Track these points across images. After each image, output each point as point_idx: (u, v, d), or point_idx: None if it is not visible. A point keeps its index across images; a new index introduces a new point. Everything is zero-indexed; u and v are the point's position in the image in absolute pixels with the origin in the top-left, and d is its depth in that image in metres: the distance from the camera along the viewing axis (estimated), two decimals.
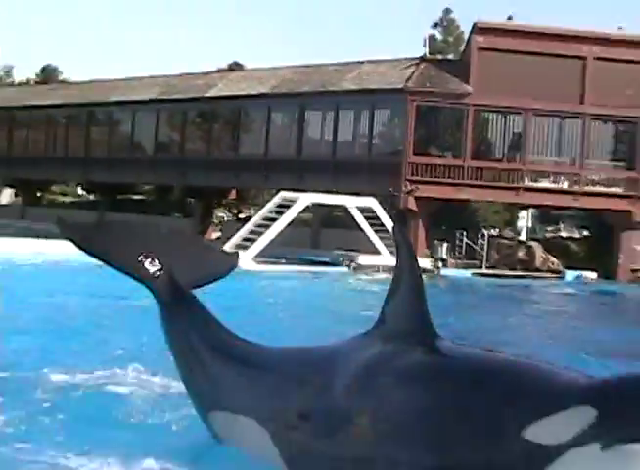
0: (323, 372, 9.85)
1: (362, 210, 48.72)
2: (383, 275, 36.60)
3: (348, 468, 9.12)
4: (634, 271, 52.95)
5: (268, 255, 45.90)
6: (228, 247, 39.03)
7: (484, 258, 53.43)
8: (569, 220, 65.06)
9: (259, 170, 59.43)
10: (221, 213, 71.88)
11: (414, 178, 53.07)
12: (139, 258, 11.14)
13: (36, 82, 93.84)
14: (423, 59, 59.49)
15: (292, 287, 39.32)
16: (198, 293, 11.29)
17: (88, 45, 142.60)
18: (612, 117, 55.60)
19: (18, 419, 11.96)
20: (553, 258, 53.42)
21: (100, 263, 11.37)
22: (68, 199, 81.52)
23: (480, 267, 52.25)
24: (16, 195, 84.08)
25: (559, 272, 51.78)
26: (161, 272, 11.12)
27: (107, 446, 10.89)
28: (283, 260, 46.25)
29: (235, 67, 76.93)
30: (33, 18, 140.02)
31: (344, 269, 46.15)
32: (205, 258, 12.69)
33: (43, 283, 31.24)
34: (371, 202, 49.02)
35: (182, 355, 11.39)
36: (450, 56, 67.43)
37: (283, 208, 48.85)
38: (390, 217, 46.41)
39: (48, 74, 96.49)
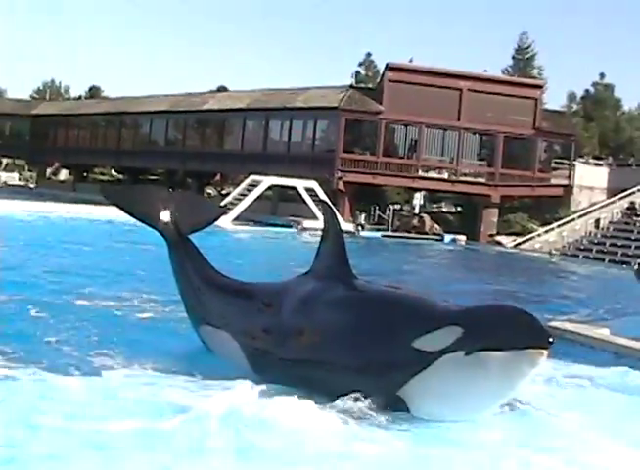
0: (276, 301, 9.88)
1: (307, 189, 48.58)
2: (319, 235, 36.68)
3: (294, 367, 9.15)
4: (490, 236, 53.21)
5: (242, 219, 45.77)
6: None
7: (390, 224, 53.47)
8: (448, 200, 65.16)
9: (237, 160, 59.10)
10: (210, 190, 71.45)
11: (343, 169, 52.95)
12: (152, 211, 11.21)
13: (85, 98, 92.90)
14: (351, 87, 59.50)
15: (257, 240, 39.34)
16: (195, 238, 11.29)
17: (120, 73, 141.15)
18: (478, 131, 55.71)
19: (58, 329, 11.90)
20: (437, 226, 53.54)
21: (126, 217, 11.43)
22: (105, 178, 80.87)
23: (387, 230, 52.24)
24: (69, 174, 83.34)
25: (440, 235, 51.85)
26: (169, 221, 11.14)
27: (124, 348, 10.82)
28: (251, 223, 46.06)
29: (222, 89, 76.25)
30: (84, 52, 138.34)
31: (294, 230, 46.04)
32: (201, 209, 12.68)
33: (82, 234, 31.04)
34: (313, 184, 48.91)
35: (182, 283, 11.43)
36: (370, 85, 67.01)
37: (252, 187, 48.83)
38: (326, 195, 46.35)
39: (93, 92, 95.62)
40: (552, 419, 8.63)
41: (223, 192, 65.01)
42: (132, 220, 11.53)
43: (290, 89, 59.74)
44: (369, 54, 79.90)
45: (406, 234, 51.22)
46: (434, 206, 64.62)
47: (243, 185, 49.91)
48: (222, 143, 62.78)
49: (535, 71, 73.89)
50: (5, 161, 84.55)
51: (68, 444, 7.01)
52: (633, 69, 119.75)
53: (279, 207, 54.85)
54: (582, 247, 48.35)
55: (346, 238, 9.91)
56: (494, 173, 54.97)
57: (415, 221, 53.87)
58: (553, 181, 56.45)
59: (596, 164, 59.05)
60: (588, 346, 13.51)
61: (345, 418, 7.90)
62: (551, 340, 7.57)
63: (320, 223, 10.65)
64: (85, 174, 79.91)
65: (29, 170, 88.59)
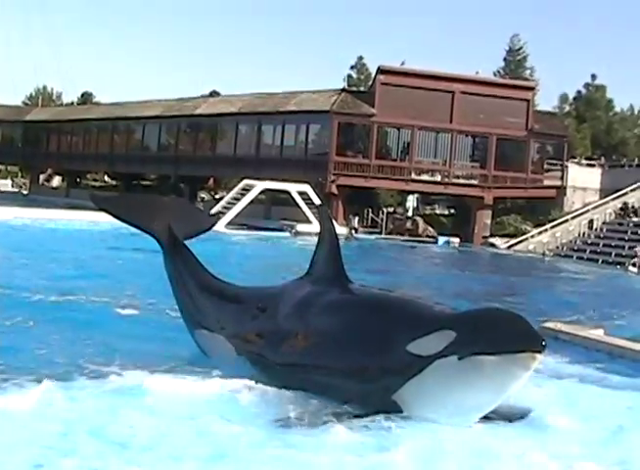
0: (270, 305, 9.93)
1: (300, 193, 48.57)
2: (313, 238, 36.68)
3: (289, 371, 9.18)
4: (484, 238, 53.23)
5: (235, 223, 45.77)
6: None
7: (383, 227, 53.50)
8: (441, 202, 65.23)
9: (230, 165, 59.01)
10: (203, 195, 71.44)
11: (336, 172, 52.90)
12: (148, 219, 11.27)
13: (78, 103, 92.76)
14: (343, 90, 59.41)
15: (251, 245, 39.34)
16: (190, 243, 11.36)
17: (112, 79, 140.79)
18: (470, 133, 55.78)
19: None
20: (430, 228, 53.49)
21: (120, 224, 11.51)
22: (97, 183, 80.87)
23: (381, 233, 52.28)
24: (62, 180, 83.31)
25: (434, 237, 51.85)
26: (164, 228, 11.20)
27: (119, 350, 10.85)
28: (245, 227, 46.05)
29: (214, 94, 76.16)
30: (76, 58, 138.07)
31: (287, 234, 46.04)
32: (194, 217, 12.77)
33: (77, 239, 31.07)
34: (306, 188, 48.89)
35: (177, 288, 11.49)
36: (362, 88, 67.02)
37: (245, 191, 48.85)
38: (319, 198, 46.38)
39: (85, 98, 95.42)
40: (546, 420, 8.66)
41: (217, 196, 65.02)
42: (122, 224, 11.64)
43: (282, 93, 59.72)
44: (361, 57, 79.84)
45: (400, 237, 51.21)
46: (428, 208, 64.67)
47: (236, 189, 49.92)
48: (215, 147, 62.71)
49: (527, 73, 73.93)
50: None
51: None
52: (625, 69, 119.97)
53: (272, 210, 54.89)
54: (576, 248, 48.47)
55: (340, 241, 9.95)
56: (487, 175, 55.01)
57: (408, 224, 53.87)
58: (546, 182, 56.50)
59: (589, 165, 59.18)
60: (582, 346, 13.52)
61: (335, 423, 7.93)
62: (544, 344, 7.60)
63: (313, 227, 10.74)
64: (78, 180, 79.87)
65: (22, 177, 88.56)
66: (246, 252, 35.42)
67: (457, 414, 8.09)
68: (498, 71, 74.14)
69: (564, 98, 75.65)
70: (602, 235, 49.28)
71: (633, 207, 51.41)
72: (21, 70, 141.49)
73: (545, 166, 57.13)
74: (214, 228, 13.83)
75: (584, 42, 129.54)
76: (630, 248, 44.32)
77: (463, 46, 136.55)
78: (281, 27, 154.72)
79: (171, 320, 12.82)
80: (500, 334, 7.68)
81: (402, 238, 50.92)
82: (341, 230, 42.31)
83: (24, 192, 78.97)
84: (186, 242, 11.37)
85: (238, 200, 48.21)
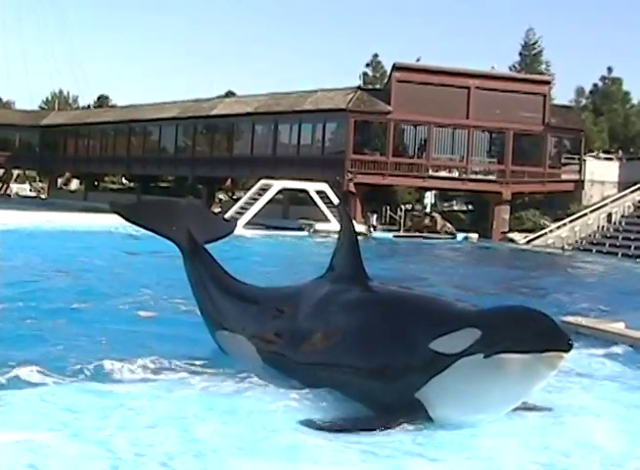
0: (291, 304, 9.93)
1: (318, 191, 48.50)
2: (331, 237, 36.86)
3: (311, 370, 9.13)
4: (503, 233, 53.06)
5: (253, 223, 45.75)
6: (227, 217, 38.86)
7: (401, 224, 53.43)
8: (459, 198, 65.08)
9: (247, 165, 59.14)
10: (221, 195, 71.56)
11: (353, 170, 52.86)
12: (168, 224, 11.32)
13: (94, 107, 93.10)
14: (359, 88, 59.44)
15: (269, 244, 39.34)
16: (209, 247, 11.36)
17: (128, 81, 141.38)
18: (487, 128, 55.62)
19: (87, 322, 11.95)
20: (449, 225, 53.40)
21: (138, 229, 11.55)
22: (115, 186, 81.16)
23: (399, 230, 52.21)
24: (80, 183, 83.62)
25: (453, 234, 51.76)
26: (184, 233, 11.24)
27: (139, 349, 10.83)
28: (263, 227, 46.03)
29: (230, 94, 76.26)
30: (92, 61, 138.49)
31: (305, 233, 46.01)
32: (213, 223, 12.81)
33: (94, 242, 31.16)
34: (324, 186, 48.81)
35: (198, 291, 11.57)
36: (377, 86, 66.92)
37: (263, 191, 48.73)
38: (337, 197, 46.30)
39: (102, 101, 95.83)
40: (567, 418, 8.61)
41: (235, 197, 65.07)
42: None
43: (297, 92, 59.70)
44: (376, 55, 79.69)
45: (418, 234, 51.12)
46: (446, 204, 64.53)
47: (253, 189, 49.89)
48: (232, 148, 62.74)
49: (543, 67, 73.63)
50: (16, 172, 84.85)
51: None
52: None
53: (290, 210, 54.87)
54: (595, 241, 48.24)
55: (358, 239, 9.89)
56: (504, 170, 54.85)
57: (427, 221, 53.77)
58: (564, 177, 56.31)
59: (606, 159, 58.90)
60: (603, 340, 13.43)
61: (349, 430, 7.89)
62: (571, 343, 7.49)
63: (332, 225, 10.68)
64: (96, 183, 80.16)
65: (40, 181, 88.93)
66: (264, 251, 35.40)
67: (480, 413, 8.02)
68: (514, 66, 73.88)
69: (580, 91, 75.30)
70: (621, 228, 49.05)
71: None
72: (36, 75, 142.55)
73: (563, 161, 56.98)
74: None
75: (600, 35, 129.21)
76: None
77: (478, 42, 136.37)
78: (295, 27, 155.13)
79: (188, 321, 12.82)
80: (526, 333, 7.55)
81: (421, 235, 50.79)
82: (359, 228, 42.27)
83: (43, 196, 79.34)
84: (207, 244, 11.40)
85: (256, 200, 48.18)
